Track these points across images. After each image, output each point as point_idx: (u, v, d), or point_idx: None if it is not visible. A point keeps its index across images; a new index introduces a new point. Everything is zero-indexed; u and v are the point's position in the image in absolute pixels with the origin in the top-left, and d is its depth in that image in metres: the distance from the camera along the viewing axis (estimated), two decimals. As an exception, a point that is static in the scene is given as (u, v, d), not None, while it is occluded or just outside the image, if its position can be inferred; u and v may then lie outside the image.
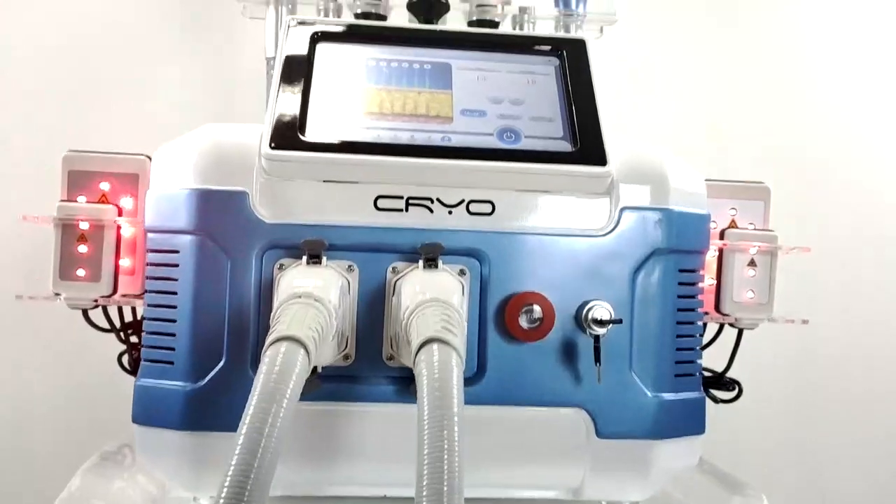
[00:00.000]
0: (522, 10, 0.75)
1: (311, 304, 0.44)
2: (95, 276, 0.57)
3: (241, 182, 0.51)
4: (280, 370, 0.40)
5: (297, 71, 0.55)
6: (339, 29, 0.59)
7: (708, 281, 0.62)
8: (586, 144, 0.53)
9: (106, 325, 0.61)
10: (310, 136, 0.52)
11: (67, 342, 0.91)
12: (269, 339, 0.42)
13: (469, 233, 0.52)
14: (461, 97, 0.56)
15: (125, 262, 0.59)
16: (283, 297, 0.45)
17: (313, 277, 0.48)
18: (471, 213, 0.53)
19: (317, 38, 0.58)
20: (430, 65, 0.58)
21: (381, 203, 0.52)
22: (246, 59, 0.92)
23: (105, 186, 0.60)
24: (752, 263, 0.62)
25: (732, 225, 0.64)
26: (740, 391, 0.65)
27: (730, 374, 0.65)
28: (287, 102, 0.53)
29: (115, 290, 0.58)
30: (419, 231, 0.52)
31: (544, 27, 0.75)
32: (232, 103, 0.97)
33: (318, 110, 0.53)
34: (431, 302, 0.45)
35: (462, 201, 0.53)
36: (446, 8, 0.72)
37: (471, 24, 0.74)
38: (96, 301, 0.58)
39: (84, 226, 0.57)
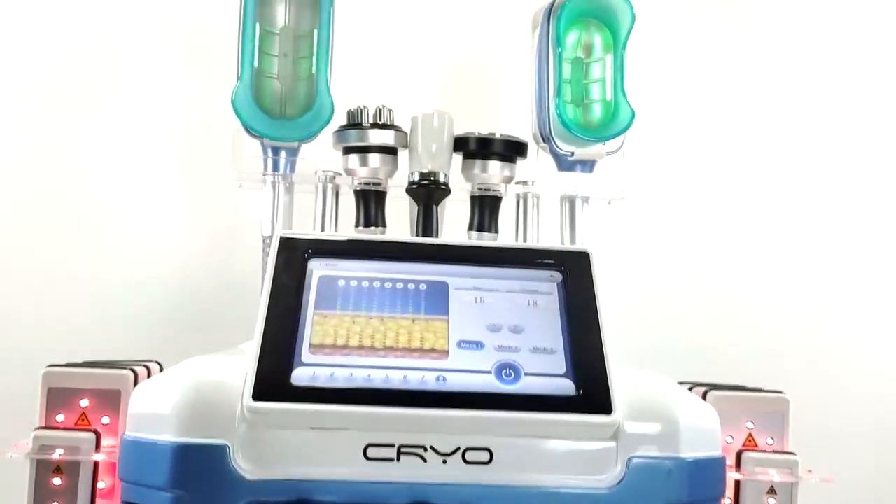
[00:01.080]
0: (523, 183, 0.73)
1: None
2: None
3: (221, 434, 0.48)
4: None
5: (285, 296, 0.53)
6: (332, 244, 0.56)
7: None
8: (590, 386, 0.50)
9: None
10: (296, 380, 0.49)
11: None
12: None
13: (464, 486, 0.48)
14: (458, 326, 0.53)
15: (102, 484, 0.56)
16: None
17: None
18: (466, 462, 0.49)
19: (308, 256, 0.55)
20: (426, 284, 0.55)
21: (370, 452, 0.49)
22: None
23: (85, 403, 0.57)
24: (771, 491, 0.58)
25: (749, 441, 0.60)
26: None
27: None
28: (273, 340, 0.50)
29: (90, 518, 0.55)
30: (411, 485, 0.48)
31: (547, 202, 0.73)
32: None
33: (307, 347, 0.50)
34: None
35: (457, 449, 0.49)
36: (447, 193, 0.70)
37: (473, 199, 0.72)
38: (71, 535, 0.55)
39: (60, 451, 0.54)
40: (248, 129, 0.67)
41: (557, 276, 0.56)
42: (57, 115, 0.93)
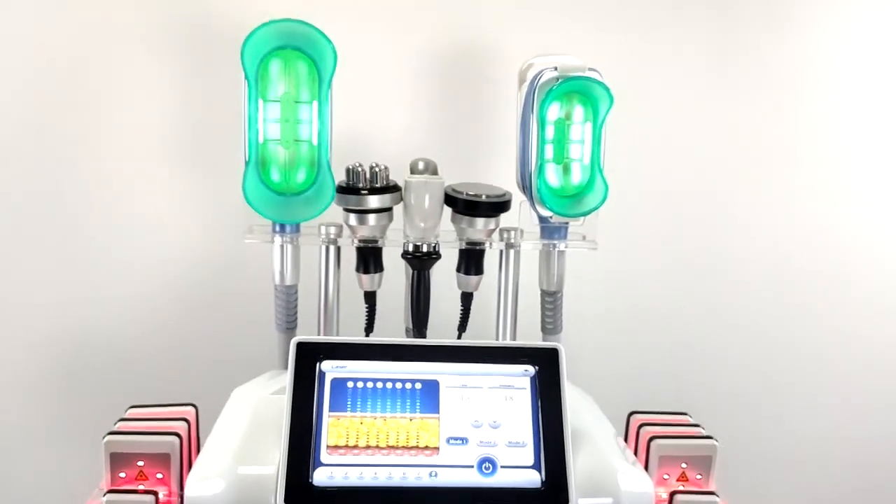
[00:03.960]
0: (505, 231, 0.81)
1: None
2: (141, 558, 0.69)
3: (260, 525, 0.61)
4: None
5: (304, 401, 0.64)
6: (342, 348, 0.67)
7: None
8: (553, 479, 0.63)
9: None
10: (317, 481, 0.61)
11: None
12: None
13: (453, 557, 0.63)
14: (447, 423, 0.65)
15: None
16: None
17: None
18: (454, 539, 0.63)
19: (319, 357, 0.66)
20: (420, 384, 0.66)
21: (379, 534, 0.62)
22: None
23: (140, 463, 0.70)
24: (695, 526, 0.73)
25: (682, 477, 0.74)
26: None
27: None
28: (296, 443, 0.62)
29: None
30: (411, 557, 0.62)
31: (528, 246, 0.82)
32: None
33: (324, 448, 0.62)
34: None
35: (447, 531, 0.63)
36: (437, 259, 0.78)
37: (461, 252, 0.81)
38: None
39: (129, 515, 0.68)
40: (257, 212, 0.74)
41: (531, 370, 0.67)
42: (90, 111, 0.98)
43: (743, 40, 1.04)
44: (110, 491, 0.68)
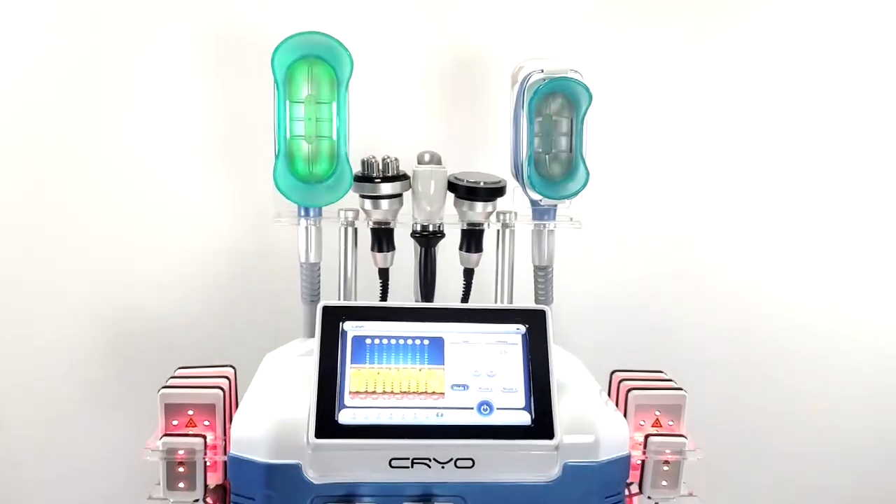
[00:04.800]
0: (501, 214, 0.92)
1: None
2: (190, 487, 0.81)
3: (295, 457, 0.73)
4: None
5: (330, 356, 0.75)
6: (361, 310, 0.78)
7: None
8: (541, 418, 0.74)
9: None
10: (342, 419, 0.73)
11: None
12: None
13: (456, 484, 0.74)
14: (451, 373, 0.76)
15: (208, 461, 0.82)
16: None
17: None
18: (458, 468, 0.74)
19: (342, 318, 0.77)
20: (428, 340, 0.77)
21: (394, 463, 0.74)
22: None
23: (190, 412, 0.82)
24: (666, 462, 0.84)
25: (656, 423, 0.86)
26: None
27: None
28: (325, 390, 0.74)
29: (205, 492, 0.81)
30: (421, 483, 0.74)
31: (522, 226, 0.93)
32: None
33: (347, 394, 0.74)
34: None
35: (451, 459, 0.74)
36: (441, 237, 0.90)
37: (463, 232, 0.92)
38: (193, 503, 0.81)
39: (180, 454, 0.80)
40: (285, 197, 0.86)
41: (522, 328, 0.79)
42: (133, 111, 1.11)
43: (715, 28, 1.16)
44: (165, 435, 0.80)
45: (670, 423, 0.86)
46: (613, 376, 0.91)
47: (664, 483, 0.84)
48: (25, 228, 1.12)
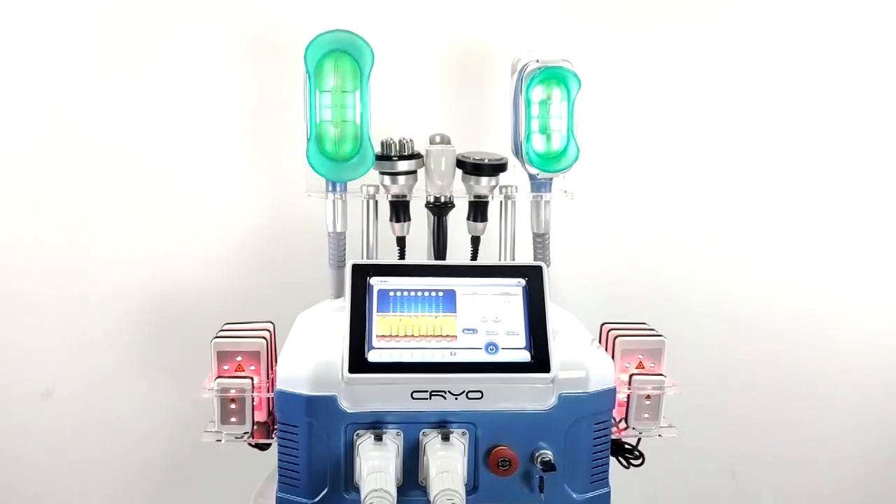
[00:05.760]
0: (503, 187, 1.05)
1: (384, 498, 0.80)
2: (241, 421, 0.94)
3: (332, 390, 0.86)
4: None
5: (360, 305, 0.89)
6: (385, 267, 0.92)
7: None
8: (538, 355, 0.87)
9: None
10: (371, 358, 0.86)
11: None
12: None
13: (468, 412, 0.88)
14: (462, 319, 0.89)
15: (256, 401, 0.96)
16: (369, 488, 0.81)
17: (380, 457, 0.84)
18: (469, 399, 0.88)
19: (369, 274, 0.91)
20: (442, 292, 0.91)
21: (415, 395, 0.87)
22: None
23: (239, 359, 0.95)
24: (648, 396, 0.97)
25: (639, 365, 0.99)
26: (644, 459, 1.03)
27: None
28: (356, 333, 0.87)
29: (253, 426, 0.95)
30: (438, 412, 0.87)
31: (522, 198, 1.06)
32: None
33: (375, 337, 0.87)
34: (447, 492, 0.81)
35: (463, 391, 0.87)
36: (452, 207, 1.03)
37: (470, 203, 1.06)
38: (243, 435, 0.95)
39: (232, 393, 0.93)
40: (316, 173, 0.99)
41: (522, 282, 0.92)
42: (174, 101, 1.25)
43: (710, 27, 1.29)
44: (219, 376, 0.94)
45: (651, 364, 0.99)
46: (603, 327, 1.04)
47: (646, 416, 0.98)
48: (74, 206, 1.26)
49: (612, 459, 0.98)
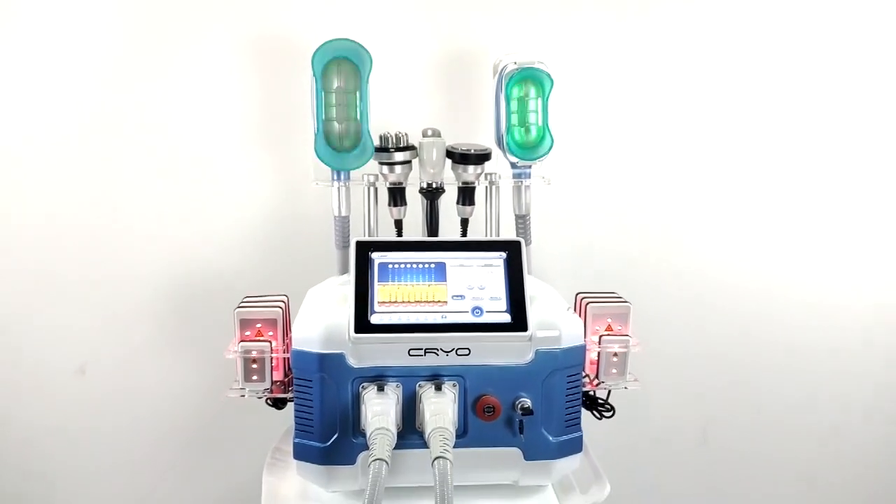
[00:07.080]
0: (488, 174, 1.20)
1: (386, 434, 0.94)
2: (262, 379, 1.08)
3: (340, 348, 1.00)
4: (375, 480, 0.91)
5: (363, 276, 1.03)
6: (384, 244, 1.06)
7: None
8: (517, 317, 1.01)
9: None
10: (374, 320, 1.00)
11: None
12: (370, 458, 0.93)
13: (457, 366, 1.02)
14: (452, 287, 1.03)
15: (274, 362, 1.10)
16: (373, 427, 0.95)
17: (382, 403, 0.98)
18: (458, 355, 1.02)
19: (370, 249, 1.05)
20: (433, 264, 1.05)
21: (411, 352, 1.01)
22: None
23: (259, 325, 1.10)
24: (615, 354, 1.11)
25: (608, 328, 1.13)
26: (614, 411, 1.17)
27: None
28: (360, 300, 1.01)
29: (272, 384, 1.09)
30: (431, 367, 1.01)
31: (504, 183, 1.21)
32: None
33: (376, 303, 1.01)
34: (439, 429, 0.95)
35: (453, 349, 1.01)
36: (443, 192, 1.18)
37: (459, 189, 1.20)
38: (263, 391, 1.09)
39: (254, 354, 1.08)
40: (323, 163, 1.13)
41: (503, 254, 1.06)
42: (195, 102, 1.40)
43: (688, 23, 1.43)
44: (242, 341, 1.08)
45: (619, 327, 1.13)
46: (577, 296, 1.18)
47: (614, 371, 1.12)
48: (108, 194, 1.41)
49: (587, 413, 1.13)
